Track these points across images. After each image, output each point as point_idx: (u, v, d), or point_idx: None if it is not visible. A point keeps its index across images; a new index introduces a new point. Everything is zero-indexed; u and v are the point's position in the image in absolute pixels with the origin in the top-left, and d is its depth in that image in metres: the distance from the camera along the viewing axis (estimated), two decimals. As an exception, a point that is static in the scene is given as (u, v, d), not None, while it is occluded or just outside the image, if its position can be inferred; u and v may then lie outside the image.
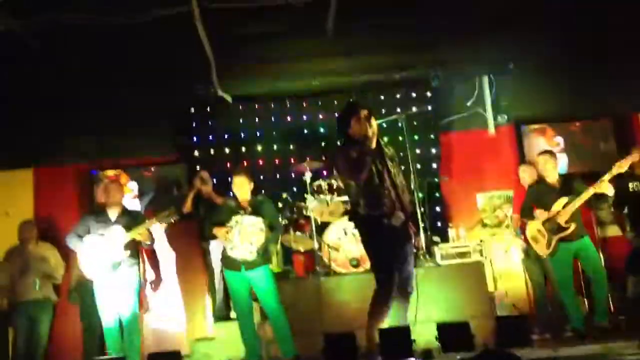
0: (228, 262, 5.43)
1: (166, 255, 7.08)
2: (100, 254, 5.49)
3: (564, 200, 5.60)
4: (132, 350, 5.46)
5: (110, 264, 5.50)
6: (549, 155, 5.91)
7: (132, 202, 7.45)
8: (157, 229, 6.20)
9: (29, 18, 5.44)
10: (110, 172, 7.63)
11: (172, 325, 7.15)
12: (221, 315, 6.51)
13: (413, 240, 4.57)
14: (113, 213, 5.74)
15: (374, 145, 4.32)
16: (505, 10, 6.41)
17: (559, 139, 7.83)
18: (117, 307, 5.52)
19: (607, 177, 5.43)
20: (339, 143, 4.74)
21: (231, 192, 5.81)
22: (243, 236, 5.31)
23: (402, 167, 7.00)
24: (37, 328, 6.51)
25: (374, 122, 4.38)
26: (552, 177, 5.80)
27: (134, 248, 5.67)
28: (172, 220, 5.83)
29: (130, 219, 5.70)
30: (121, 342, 5.52)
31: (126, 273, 5.57)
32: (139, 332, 5.68)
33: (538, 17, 6.61)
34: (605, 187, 5.43)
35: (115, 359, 4.79)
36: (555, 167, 5.83)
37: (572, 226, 5.56)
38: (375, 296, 4.28)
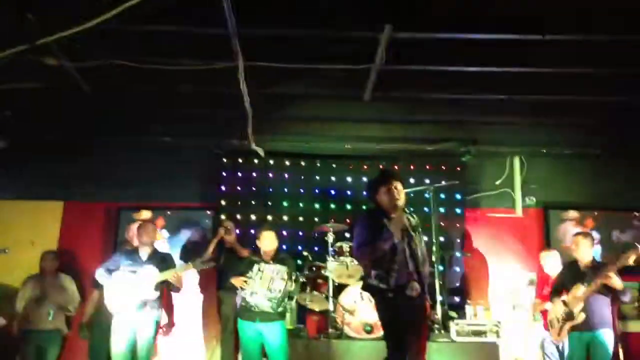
0: (244, 311, 5.43)
1: (187, 300, 7.14)
2: (129, 291, 5.56)
3: (581, 287, 5.49)
4: None
5: (138, 302, 5.56)
6: (583, 236, 5.83)
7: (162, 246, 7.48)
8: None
9: (81, 60, 5.66)
10: (147, 213, 7.74)
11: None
12: (230, 367, 6.48)
13: (428, 313, 4.53)
14: (144, 253, 5.84)
15: (397, 217, 4.35)
16: (545, 99, 6.50)
17: (595, 234, 7.75)
18: (133, 346, 5.55)
19: (611, 269, 5.35)
20: (364, 207, 4.78)
21: (255, 246, 5.84)
22: (264, 282, 5.35)
23: (425, 238, 7.12)
24: (44, 358, 6.52)
25: (403, 195, 4.43)
26: (583, 259, 5.68)
27: (161, 290, 5.73)
28: (208, 267, 5.91)
29: (160, 261, 5.79)
30: None
31: (149, 314, 5.61)
32: None
33: (575, 107, 6.68)
34: (611, 279, 5.34)
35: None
36: (588, 249, 5.71)
37: (581, 316, 5.42)
38: None
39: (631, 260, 5.32)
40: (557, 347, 6.18)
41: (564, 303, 5.55)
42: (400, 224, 4.35)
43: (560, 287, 5.82)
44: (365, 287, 4.50)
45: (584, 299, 5.45)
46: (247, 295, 5.38)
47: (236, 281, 5.50)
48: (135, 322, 5.58)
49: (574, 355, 5.56)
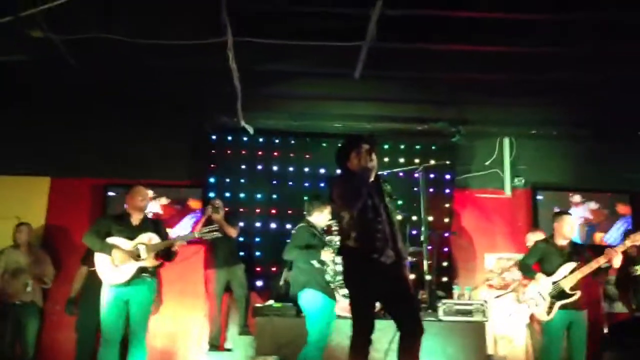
0: (328, 287, 5.46)
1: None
2: (126, 258, 5.19)
3: (571, 265, 5.50)
4: None
5: (135, 270, 5.21)
6: (569, 216, 5.80)
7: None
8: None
9: (68, 33, 5.56)
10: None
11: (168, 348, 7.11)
12: (216, 344, 6.49)
13: (408, 278, 4.40)
14: (136, 218, 5.43)
15: (372, 178, 4.12)
16: (535, 79, 6.49)
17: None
18: (125, 316, 5.21)
19: (620, 248, 5.40)
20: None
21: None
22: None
23: (414, 218, 7.14)
24: (24, 331, 6.48)
25: (375, 157, 4.18)
26: (564, 239, 5.67)
27: (163, 258, 5.41)
28: (213, 237, 5.71)
29: (155, 228, 5.44)
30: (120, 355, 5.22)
31: (144, 282, 5.27)
32: (145, 348, 5.27)
33: (566, 89, 6.67)
34: (616, 258, 5.36)
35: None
36: (572, 231, 5.70)
37: (578, 294, 5.46)
38: (351, 344, 4.00)
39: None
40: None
41: (553, 281, 5.54)
42: (375, 186, 4.15)
43: (532, 261, 5.77)
44: (342, 250, 4.18)
45: (579, 278, 5.45)
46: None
47: (328, 254, 5.49)
48: (130, 291, 5.21)
49: (558, 334, 5.52)
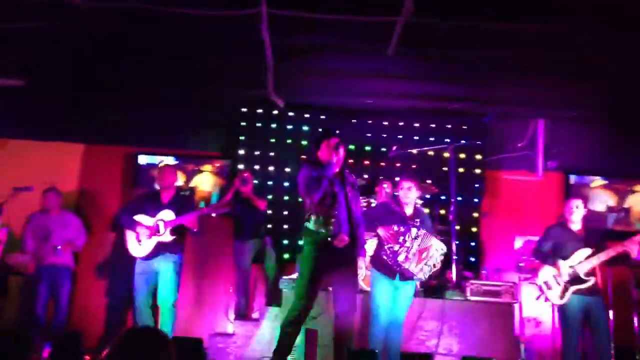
0: (385, 266, 5.24)
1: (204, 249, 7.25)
2: (147, 235, 5.64)
3: (587, 251, 5.45)
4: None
5: (155, 245, 5.63)
6: (575, 200, 5.77)
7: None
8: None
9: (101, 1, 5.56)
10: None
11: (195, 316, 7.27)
12: (243, 313, 6.57)
13: (358, 264, 4.71)
14: (166, 196, 5.85)
15: (334, 171, 4.65)
16: (572, 58, 6.32)
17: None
18: (154, 290, 5.71)
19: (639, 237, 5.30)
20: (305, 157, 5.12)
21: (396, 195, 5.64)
22: (423, 256, 5.19)
23: (443, 198, 7.10)
24: (58, 293, 6.63)
25: (342, 151, 4.72)
26: (577, 225, 5.64)
27: (181, 234, 5.77)
28: (224, 212, 6.20)
29: (181, 204, 5.81)
30: (153, 324, 5.66)
31: (168, 257, 5.68)
32: (174, 316, 5.74)
33: (604, 70, 6.49)
34: (634, 247, 5.29)
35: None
36: (578, 214, 5.62)
37: (593, 280, 5.40)
38: (290, 318, 4.65)
39: None
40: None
41: (569, 266, 5.49)
42: (337, 176, 4.71)
43: (548, 246, 5.70)
44: (302, 231, 4.75)
45: (594, 264, 5.41)
46: (398, 257, 5.12)
47: (383, 232, 5.26)
48: (155, 266, 5.68)
49: (574, 319, 5.47)
